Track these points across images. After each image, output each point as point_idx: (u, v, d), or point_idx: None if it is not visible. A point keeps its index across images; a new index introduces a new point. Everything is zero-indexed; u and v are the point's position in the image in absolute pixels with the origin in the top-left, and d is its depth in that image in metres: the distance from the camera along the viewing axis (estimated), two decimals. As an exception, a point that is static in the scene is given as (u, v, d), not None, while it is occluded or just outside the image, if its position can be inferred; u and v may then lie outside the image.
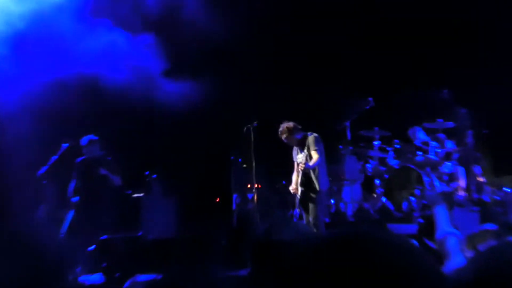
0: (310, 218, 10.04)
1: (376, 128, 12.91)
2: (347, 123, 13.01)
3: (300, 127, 10.24)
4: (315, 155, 9.96)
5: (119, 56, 12.74)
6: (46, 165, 11.36)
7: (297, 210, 10.33)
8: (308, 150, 10.04)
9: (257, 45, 13.96)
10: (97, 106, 12.74)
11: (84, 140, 11.31)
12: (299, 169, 10.01)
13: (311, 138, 10.09)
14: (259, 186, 12.41)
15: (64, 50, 12.05)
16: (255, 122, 10.94)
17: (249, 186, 13.17)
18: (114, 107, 12.69)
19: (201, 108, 14.02)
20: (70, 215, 11.35)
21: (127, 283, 5.07)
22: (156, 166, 13.37)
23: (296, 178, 10.32)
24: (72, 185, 11.42)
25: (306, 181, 10.10)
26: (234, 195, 14.29)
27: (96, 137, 11.36)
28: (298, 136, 10.20)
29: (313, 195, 10.08)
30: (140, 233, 10.96)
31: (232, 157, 14.35)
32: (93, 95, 12.50)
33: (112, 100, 12.44)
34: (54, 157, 11.41)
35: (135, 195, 12.19)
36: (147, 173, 12.96)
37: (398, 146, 12.79)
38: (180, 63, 13.50)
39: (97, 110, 12.78)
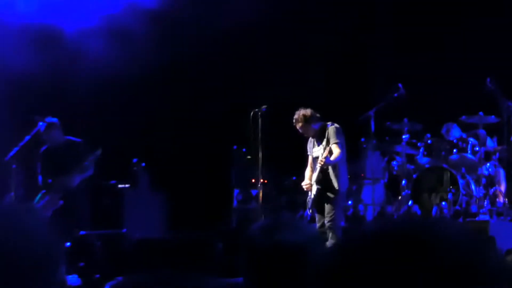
0: (326, 221, 9.91)
1: (405, 120, 12.76)
2: (371, 113, 12.89)
3: (318, 115, 10.08)
4: (336, 149, 9.81)
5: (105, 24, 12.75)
6: (17, 147, 11.26)
7: (309, 211, 10.25)
8: (328, 143, 9.89)
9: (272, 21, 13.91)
10: (75, 78, 12.70)
11: (42, 125, 10.98)
12: (318, 164, 9.86)
13: (331, 129, 9.92)
14: (265, 181, 12.34)
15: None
16: (264, 106, 10.82)
17: (253, 181, 13.11)
18: (95, 80, 12.65)
19: (200, 87, 13.97)
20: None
21: (106, 286, 4.98)
22: (144, 153, 13.31)
23: (310, 173, 10.17)
24: (39, 179, 11.24)
25: (323, 179, 9.96)
26: (235, 191, 14.23)
27: (54, 120, 11.01)
28: (316, 126, 10.05)
29: (330, 195, 9.94)
30: (123, 230, 10.91)
31: (235, 147, 14.28)
32: (71, 64, 12.50)
33: (94, 71, 12.42)
34: (27, 137, 11.31)
35: (119, 186, 12.12)
36: (134, 160, 12.89)
37: (430, 141, 12.67)
38: (178, 38, 13.48)
39: (76, 82, 12.74)
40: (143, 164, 12.73)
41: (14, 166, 11.29)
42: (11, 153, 11.27)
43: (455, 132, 12.52)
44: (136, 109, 13.55)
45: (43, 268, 1.76)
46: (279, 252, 2.63)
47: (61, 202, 10.98)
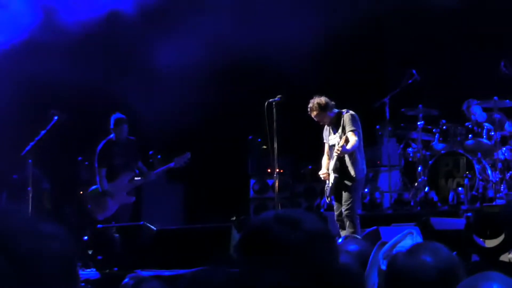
0: (343, 209, 9.88)
1: (420, 106, 12.71)
2: (386, 100, 12.89)
3: (333, 103, 10.01)
4: (352, 137, 9.75)
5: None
6: (33, 141, 11.37)
7: (326, 199, 10.23)
8: (344, 130, 9.85)
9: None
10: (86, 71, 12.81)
11: (112, 119, 11.69)
12: (335, 153, 9.83)
13: (347, 116, 9.88)
14: (281, 171, 12.35)
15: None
16: (278, 96, 10.78)
17: (269, 170, 13.13)
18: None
19: (214, 77, 13.98)
20: None
21: (126, 279, 5.02)
22: (161, 145, 13.34)
23: (327, 162, 10.13)
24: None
25: (340, 167, 9.91)
26: (252, 181, 14.27)
27: (122, 116, 11.68)
28: (331, 114, 9.99)
29: (348, 183, 9.90)
30: (141, 223, 10.97)
31: (250, 137, 14.31)
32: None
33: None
34: (42, 132, 11.41)
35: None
36: (150, 152, 12.91)
37: (445, 127, 12.65)
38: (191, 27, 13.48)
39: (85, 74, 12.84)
40: (159, 156, 12.76)
41: (30, 161, 11.40)
42: (27, 148, 11.38)
43: (477, 110, 12.47)
44: (153, 102, 13.56)
45: (59, 267, 1.77)
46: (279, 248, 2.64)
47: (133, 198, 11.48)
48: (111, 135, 11.75)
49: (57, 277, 1.72)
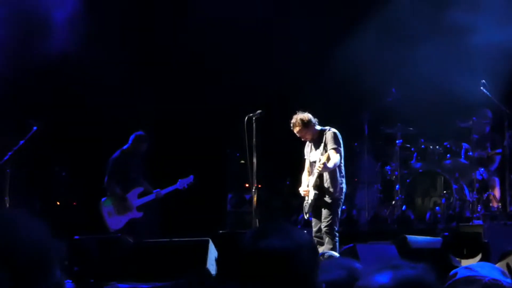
0: (322, 226, 9.90)
1: (399, 124, 12.82)
2: (365, 117, 12.93)
3: (315, 120, 10.05)
4: (334, 155, 9.79)
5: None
6: (11, 151, 11.34)
7: (305, 216, 10.21)
8: (325, 148, 9.89)
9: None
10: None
11: (132, 136, 12.17)
12: (315, 170, 9.87)
13: (329, 134, 9.92)
14: (259, 185, 12.37)
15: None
16: (259, 111, 10.73)
17: (246, 185, 13.13)
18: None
19: (194, 90, 14.01)
20: None
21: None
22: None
23: (307, 178, 10.16)
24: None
25: (320, 184, 9.96)
26: (229, 195, 14.25)
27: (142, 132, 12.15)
28: (314, 130, 10.03)
29: (328, 200, 9.94)
30: (118, 234, 10.93)
31: (228, 150, 14.31)
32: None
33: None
34: (21, 142, 11.38)
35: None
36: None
37: (423, 146, 12.75)
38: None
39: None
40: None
41: (8, 170, 11.35)
42: (5, 158, 11.35)
43: (490, 113, 12.44)
44: (125, 111, 13.54)
45: (36, 270, 1.81)
46: (267, 258, 2.68)
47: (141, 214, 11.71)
48: (125, 147, 12.03)
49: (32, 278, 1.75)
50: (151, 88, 14.07)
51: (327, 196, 9.95)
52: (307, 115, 9.99)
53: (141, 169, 12.20)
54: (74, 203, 14.03)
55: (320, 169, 9.75)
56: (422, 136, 12.82)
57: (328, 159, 9.74)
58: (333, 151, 9.82)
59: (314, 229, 10.06)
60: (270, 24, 14.12)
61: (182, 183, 11.98)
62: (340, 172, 10.04)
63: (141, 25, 14.32)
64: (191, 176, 12.03)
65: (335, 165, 9.81)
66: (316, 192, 9.95)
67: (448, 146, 12.49)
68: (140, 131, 12.17)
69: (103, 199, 11.97)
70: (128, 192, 11.95)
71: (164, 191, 12.04)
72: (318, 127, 10.07)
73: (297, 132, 10.02)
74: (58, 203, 12.89)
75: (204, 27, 13.68)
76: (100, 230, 11.78)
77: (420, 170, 12.64)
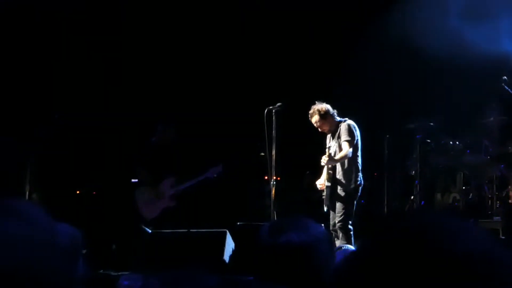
0: (336, 220, 9.83)
1: (420, 119, 12.75)
2: (386, 111, 12.88)
3: (334, 111, 9.99)
4: (344, 147, 9.73)
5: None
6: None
7: (324, 209, 10.10)
8: (339, 139, 9.87)
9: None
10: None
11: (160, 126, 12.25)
12: (322, 162, 9.79)
13: (343, 126, 9.84)
14: (278, 178, 12.37)
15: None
16: (279, 104, 10.67)
17: (266, 178, 13.13)
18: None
19: (216, 84, 14.03)
20: None
21: (121, 279, 5.05)
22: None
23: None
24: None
25: (333, 176, 9.88)
26: (249, 188, 14.27)
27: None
28: (332, 122, 9.96)
29: (341, 193, 9.87)
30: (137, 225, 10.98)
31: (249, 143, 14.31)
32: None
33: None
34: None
35: (132, 180, 12.23)
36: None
37: (443, 141, 12.69)
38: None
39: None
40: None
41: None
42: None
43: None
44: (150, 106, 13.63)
45: (61, 261, 1.80)
46: (284, 252, 2.73)
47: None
48: (153, 138, 12.13)
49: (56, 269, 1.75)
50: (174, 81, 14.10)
51: (340, 188, 9.87)
52: (324, 106, 9.93)
53: (171, 158, 12.22)
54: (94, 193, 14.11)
55: (325, 161, 9.69)
56: (442, 131, 12.73)
57: (340, 150, 9.71)
58: (346, 143, 9.76)
59: (331, 223, 9.99)
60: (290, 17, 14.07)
61: (213, 172, 11.98)
62: (356, 164, 9.92)
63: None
64: (221, 165, 12.01)
65: (343, 157, 9.74)
66: (329, 184, 9.88)
67: (468, 142, 12.42)
68: (167, 121, 12.24)
69: (137, 189, 12.01)
70: (159, 183, 11.97)
71: (199, 178, 12.02)
72: (337, 119, 10.00)
73: (314, 123, 9.98)
74: (78, 192, 12.96)
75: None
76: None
77: (440, 166, 12.57)
